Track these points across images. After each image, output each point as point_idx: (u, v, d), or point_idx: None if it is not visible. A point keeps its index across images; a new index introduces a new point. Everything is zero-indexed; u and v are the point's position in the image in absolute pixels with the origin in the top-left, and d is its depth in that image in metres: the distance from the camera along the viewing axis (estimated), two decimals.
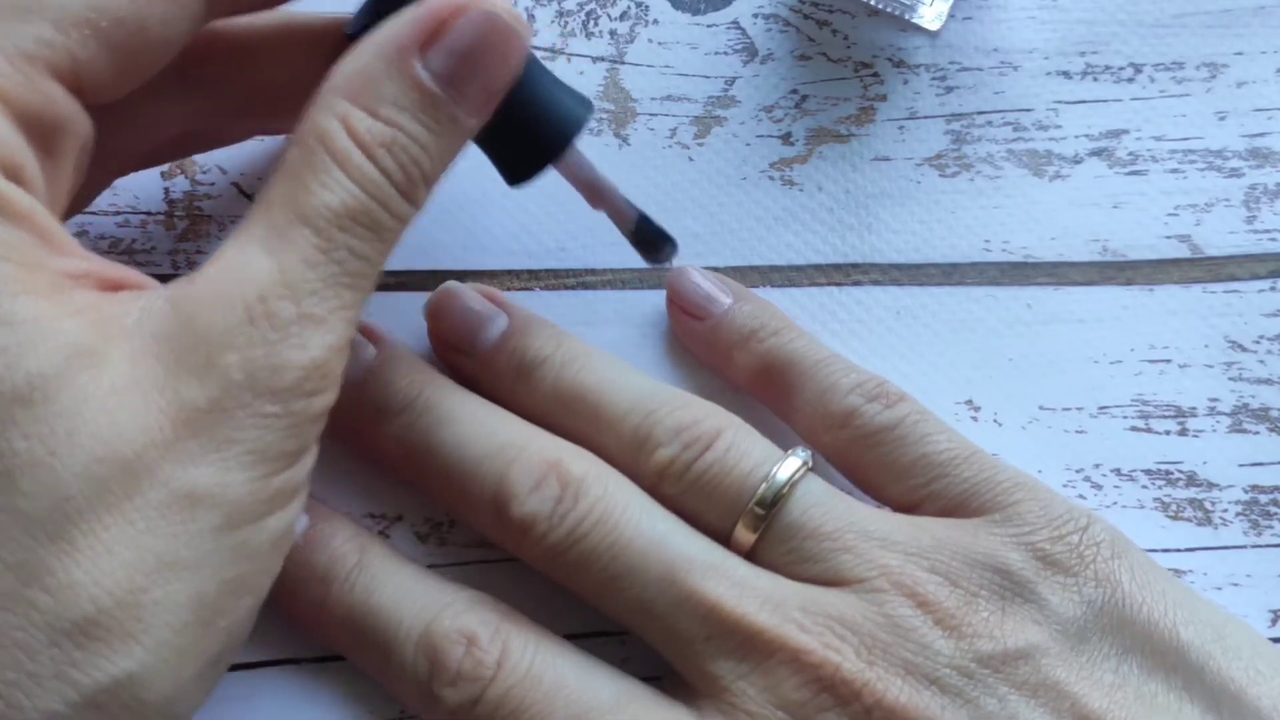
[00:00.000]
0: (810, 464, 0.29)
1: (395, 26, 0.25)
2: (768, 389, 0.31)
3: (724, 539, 0.28)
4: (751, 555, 0.28)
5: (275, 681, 0.30)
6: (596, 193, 0.30)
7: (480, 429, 0.29)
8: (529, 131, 0.28)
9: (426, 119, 0.25)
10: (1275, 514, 0.32)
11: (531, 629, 0.28)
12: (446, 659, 0.27)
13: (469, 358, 0.31)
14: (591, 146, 0.34)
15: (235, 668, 0.30)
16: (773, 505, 0.28)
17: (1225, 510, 0.32)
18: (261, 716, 0.29)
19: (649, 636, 0.28)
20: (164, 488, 0.22)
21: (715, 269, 0.33)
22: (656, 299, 0.33)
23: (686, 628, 0.27)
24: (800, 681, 0.26)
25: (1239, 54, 0.35)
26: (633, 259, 0.31)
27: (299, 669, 0.30)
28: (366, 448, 0.30)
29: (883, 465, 0.29)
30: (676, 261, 0.32)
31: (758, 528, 0.28)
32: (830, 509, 0.28)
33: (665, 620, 0.27)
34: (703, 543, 0.28)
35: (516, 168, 0.29)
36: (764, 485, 0.28)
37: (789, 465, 0.28)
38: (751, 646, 0.27)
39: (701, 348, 0.32)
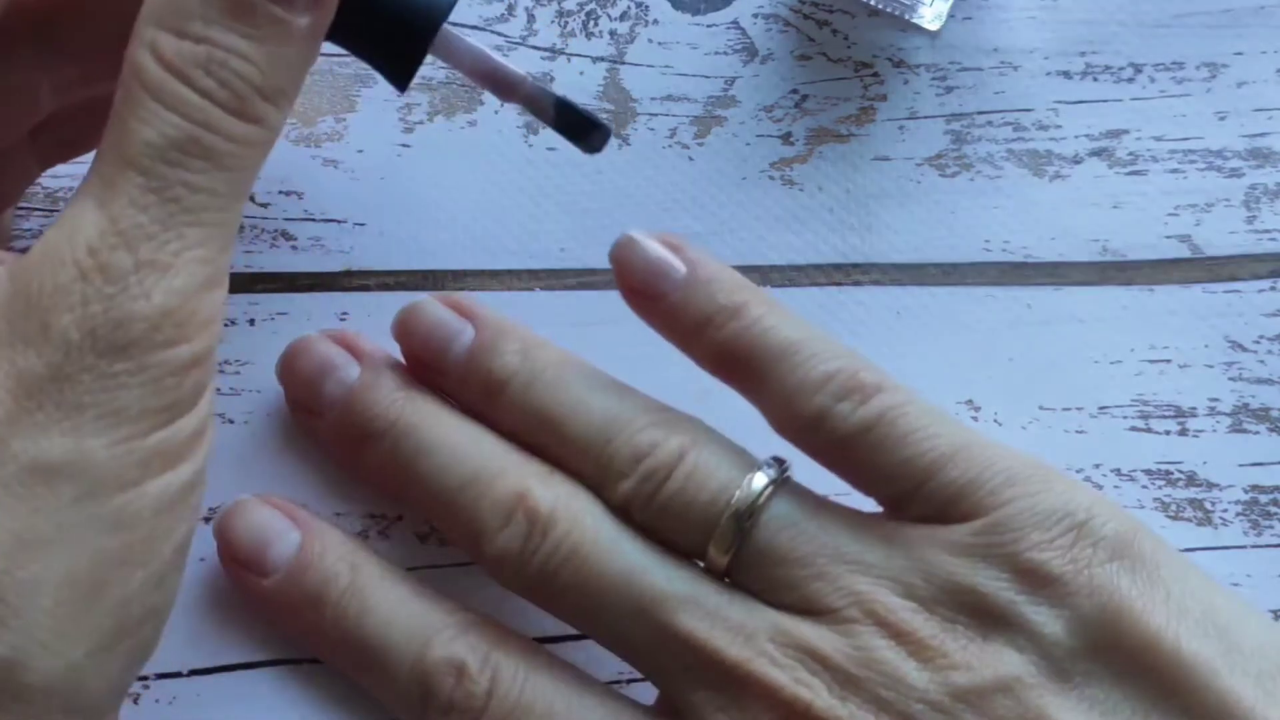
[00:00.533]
0: (779, 478, 0.27)
1: None
2: (734, 379, 0.29)
3: (699, 558, 0.27)
4: (727, 575, 0.27)
5: (275, 681, 0.30)
6: (499, 82, 0.27)
7: (454, 455, 0.28)
8: (392, 20, 0.26)
9: (241, 27, 0.22)
10: (1275, 514, 0.32)
11: (522, 654, 0.27)
12: (438, 689, 0.27)
13: (441, 376, 0.30)
14: None
15: (235, 667, 0.30)
16: (741, 531, 0.27)
17: (1225, 510, 0.32)
18: (261, 716, 0.29)
19: (634, 665, 0.28)
20: (13, 463, 0.21)
21: None
22: None
23: (664, 660, 0.27)
24: (774, 717, 0.26)
25: (1239, 54, 0.35)
26: None
27: (299, 669, 0.30)
28: (355, 470, 0.30)
29: (864, 469, 0.27)
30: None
31: (728, 552, 0.27)
32: (800, 531, 0.27)
33: (643, 652, 0.27)
34: (673, 571, 0.27)
35: (393, 65, 0.27)
36: (728, 510, 0.27)
37: (754, 484, 0.27)
38: (727, 680, 0.26)
39: (655, 326, 0.29)
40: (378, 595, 0.28)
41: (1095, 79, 0.35)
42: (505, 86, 0.27)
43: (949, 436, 0.27)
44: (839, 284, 0.33)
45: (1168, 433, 0.32)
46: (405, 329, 0.30)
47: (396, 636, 0.27)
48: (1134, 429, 0.32)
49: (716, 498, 0.27)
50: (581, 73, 0.35)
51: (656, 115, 0.34)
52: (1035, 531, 0.26)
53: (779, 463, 0.28)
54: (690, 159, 0.34)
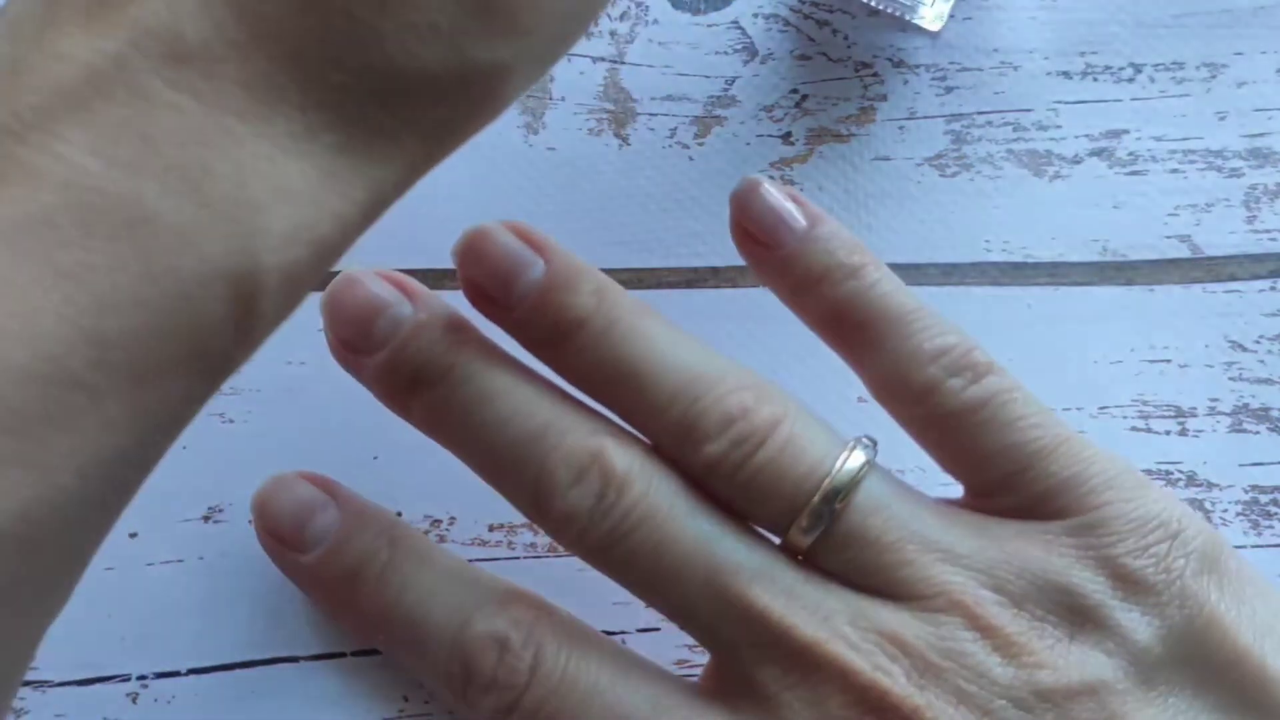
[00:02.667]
0: (874, 458, 0.27)
1: None
2: (840, 340, 0.28)
3: (778, 537, 0.27)
4: (805, 557, 0.26)
5: (275, 681, 0.30)
6: None
7: (519, 409, 0.26)
8: None
9: None
10: (1275, 514, 0.32)
11: (566, 629, 0.27)
12: (480, 666, 0.26)
13: (503, 310, 0.28)
14: (592, 146, 0.34)
15: (234, 667, 0.30)
16: (830, 510, 0.26)
17: (1225, 510, 0.32)
18: (261, 716, 0.29)
19: (693, 635, 0.27)
20: None
21: (715, 269, 0.33)
22: (655, 298, 0.33)
23: (731, 633, 0.26)
24: (847, 700, 0.25)
25: (1239, 54, 0.35)
26: (633, 259, 0.31)
27: (299, 668, 0.30)
28: (403, 417, 0.28)
29: (963, 449, 0.27)
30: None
31: (814, 532, 0.26)
32: (892, 515, 0.26)
33: (710, 624, 0.26)
34: (751, 545, 0.26)
35: None
36: (823, 488, 0.26)
37: (851, 463, 0.26)
38: (799, 659, 0.25)
39: (764, 278, 0.29)
40: (417, 570, 0.27)
41: (1095, 79, 0.35)
42: None
43: (1053, 429, 0.27)
44: None
45: (1168, 433, 0.32)
46: (470, 255, 0.28)
47: (437, 612, 0.27)
48: (1134, 429, 0.32)
49: (810, 472, 0.26)
50: (581, 73, 0.35)
51: (656, 115, 0.35)
52: (1131, 537, 0.26)
53: (873, 442, 0.27)
54: (690, 159, 0.34)
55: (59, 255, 0.18)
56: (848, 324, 0.28)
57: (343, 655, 0.30)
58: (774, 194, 0.28)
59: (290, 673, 0.30)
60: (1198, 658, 0.25)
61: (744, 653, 0.26)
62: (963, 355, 0.27)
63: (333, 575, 0.28)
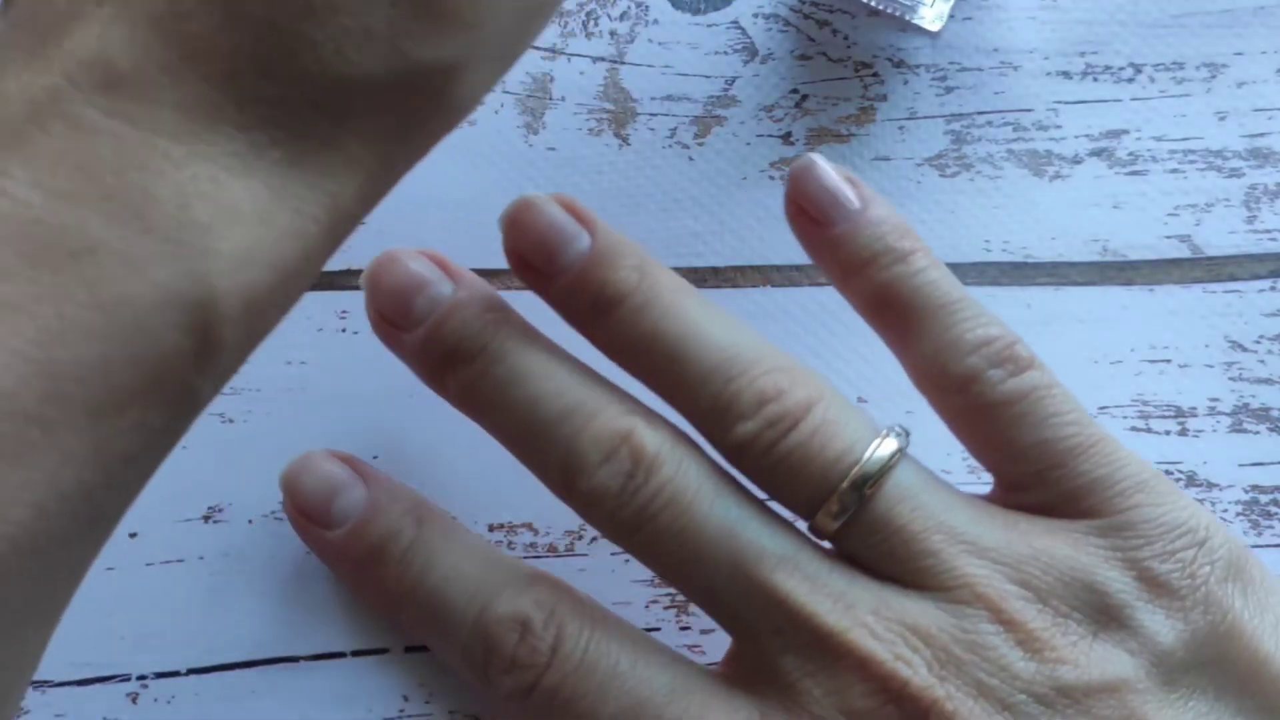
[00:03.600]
0: (906, 446, 0.27)
1: None
2: (884, 324, 0.28)
3: (805, 520, 0.27)
4: (832, 543, 0.27)
5: (275, 681, 0.30)
6: None
7: (552, 387, 0.27)
8: None
9: None
10: (1275, 514, 0.32)
11: (587, 612, 0.27)
12: (501, 646, 0.26)
13: (545, 281, 0.28)
14: (592, 146, 0.34)
15: (234, 667, 0.30)
16: (859, 496, 0.26)
17: (1225, 510, 0.32)
18: (260, 716, 0.29)
19: (716, 620, 0.27)
20: None
21: (715, 269, 0.33)
22: None
23: (754, 619, 0.26)
24: (867, 690, 0.25)
25: (1239, 54, 0.35)
26: None
27: (299, 668, 0.30)
28: (438, 392, 0.29)
29: (998, 441, 0.27)
30: None
31: (841, 517, 0.26)
32: (921, 504, 0.26)
33: (733, 608, 0.26)
34: (778, 530, 0.26)
35: None
36: (853, 473, 0.26)
37: (883, 450, 0.26)
38: (820, 647, 0.25)
39: (814, 255, 0.29)
40: (442, 549, 0.28)
41: (1095, 79, 0.35)
42: None
43: (1088, 429, 0.27)
44: None
45: (1168, 433, 0.32)
46: (516, 225, 0.28)
47: (460, 591, 0.27)
48: (1134, 429, 0.32)
49: (841, 457, 0.26)
50: (581, 73, 0.35)
51: (656, 115, 0.35)
52: (1159, 541, 0.26)
53: (906, 432, 0.27)
54: (690, 159, 0.34)
55: (2, 288, 0.18)
56: (892, 309, 0.28)
57: (343, 655, 0.30)
58: (830, 173, 0.28)
59: (290, 673, 0.30)
60: (1219, 662, 0.25)
61: (766, 639, 0.26)
62: (1005, 348, 0.27)
63: (358, 552, 0.28)
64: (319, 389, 0.32)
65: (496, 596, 0.27)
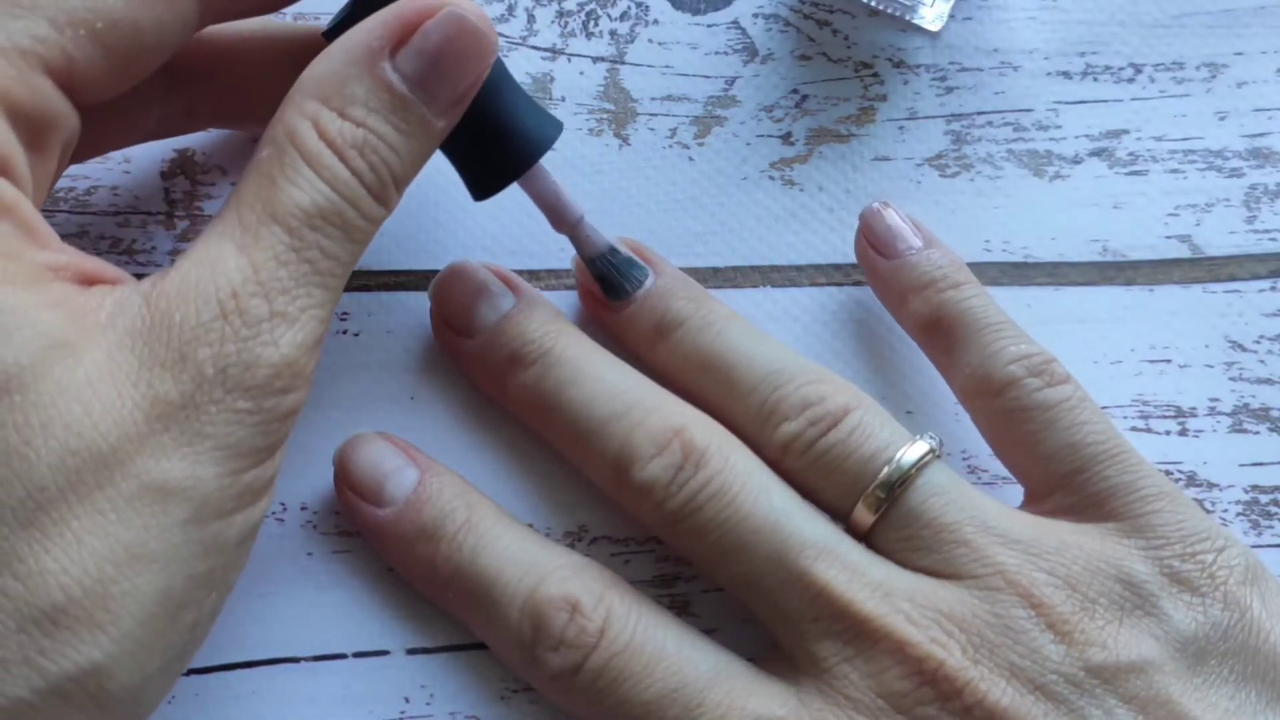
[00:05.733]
0: (939, 452, 0.29)
1: (365, 29, 0.25)
2: (934, 341, 0.31)
3: (842, 518, 0.29)
4: (868, 538, 0.28)
5: (275, 681, 0.30)
6: (559, 215, 0.30)
7: (609, 388, 0.29)
8: (496, 146, 0.28)
9: (396, 120, 0.25)
10: (1275, 514, 0.32)
11: (634, 598, 0.28)
12: (551, 624, 0.27)
13: (613, 312, 0.31)
14: (592, 146, 0.34)
15: (235, 667, 0.30)
16: (894, 490, 0.28)
17: (1225, 510, 0.32)
18: (260, 716, 0.29)
19: (755, 609, 0.28)
20: (135, 480, 0.22)
21: (715, 269, 0.33)
22: None
23: (794, 607, 0.27)
24: (903, 672, 0.26)
25: (1239, 54, 0.35)
26: None
27: (299, 668, 0.30)
28: (496, 394, 0.31)
29: (1029, 444, 0.29)
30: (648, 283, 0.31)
31: (877, 510, 0.28)
32: (952, 499, 0.28)
33: (773, 597, 0.28)
34: (818, 523, 0.28)
35: (482, 181, 0.29)
36: (887, 469, 0.28)
37: (915, 450, 0.28)
38: (858, 632, 0.27)
39: (879, 285, 0.32)
40: (493, 533, 0.29)
41: (1095, 79, 0.35)
42: (562, 220, 0.30)
43: (1114, 439, 0.29)
44: (839, 284, 0.33)
45: (1168, 433, 0.32)
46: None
47: (511, 572, 0.28)
48: (1134, 429, 0.32)
49: (877, 455, 0.28)
50: (581, 73, 0.35)
51: (656, 115, 0.35)
52: (1179, 544, 0.28)
53: (938, 439, 0.29)
54: (690, 159, 0.34)
55: None
56: (943, 325, 0.31)
57: (343, 656, 0.30)
58: (897, 217, 0.32)
59: (290, 673, 0.30)
60: (1240, 654, 0.27)
61: (804, 626, 0.27)
62: (1044, 362, 0.30)
63: (409, 530, 0.29)
64: (320, 390, 0.32)
65: (548, 578, 0.28)
